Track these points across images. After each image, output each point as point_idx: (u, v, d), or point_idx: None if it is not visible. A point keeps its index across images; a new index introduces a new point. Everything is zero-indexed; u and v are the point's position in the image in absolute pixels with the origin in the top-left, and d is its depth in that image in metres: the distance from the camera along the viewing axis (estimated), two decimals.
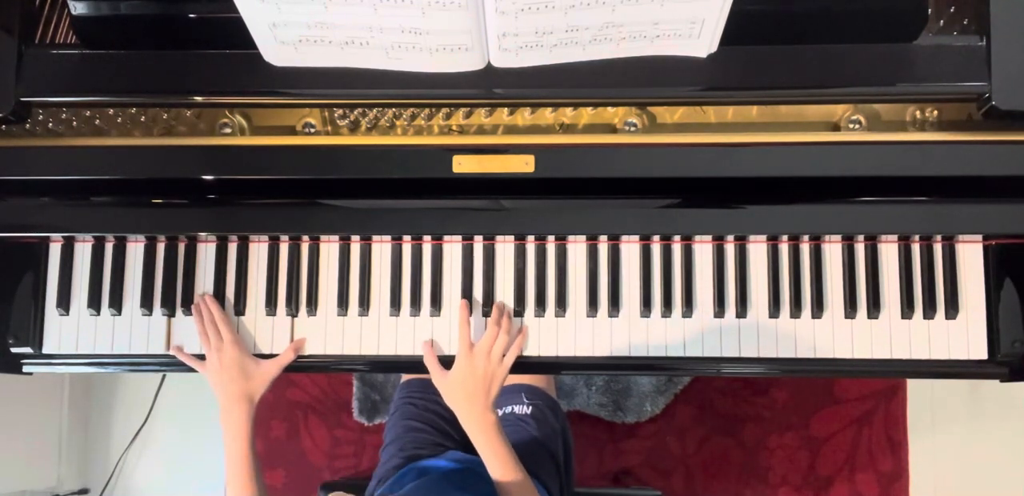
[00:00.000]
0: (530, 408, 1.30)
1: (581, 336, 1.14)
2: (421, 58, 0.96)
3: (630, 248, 1.14)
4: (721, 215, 1.08)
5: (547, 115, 1.09)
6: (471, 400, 1.07)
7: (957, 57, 0.98)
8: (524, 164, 1.03)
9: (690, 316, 1.13)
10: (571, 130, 1.09)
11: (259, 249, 1.17)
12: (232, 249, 1.17)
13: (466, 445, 1.33)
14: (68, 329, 1.17)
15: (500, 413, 1.34)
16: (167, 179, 1.08)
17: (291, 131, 1.10)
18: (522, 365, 1.13)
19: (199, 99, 1.04)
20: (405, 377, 1.44)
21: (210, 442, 2.01)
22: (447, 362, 1.12)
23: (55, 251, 1.18)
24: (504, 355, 1.10)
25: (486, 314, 1.14)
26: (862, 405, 1.88)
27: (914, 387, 1.90)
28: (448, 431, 1.32)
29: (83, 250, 1.18)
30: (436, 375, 1.11)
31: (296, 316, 1.16)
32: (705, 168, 1.03)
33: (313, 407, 1.92)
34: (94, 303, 1.17)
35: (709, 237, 1.13)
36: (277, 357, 1.14)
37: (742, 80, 0.99)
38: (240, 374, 1.11)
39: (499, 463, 1.06)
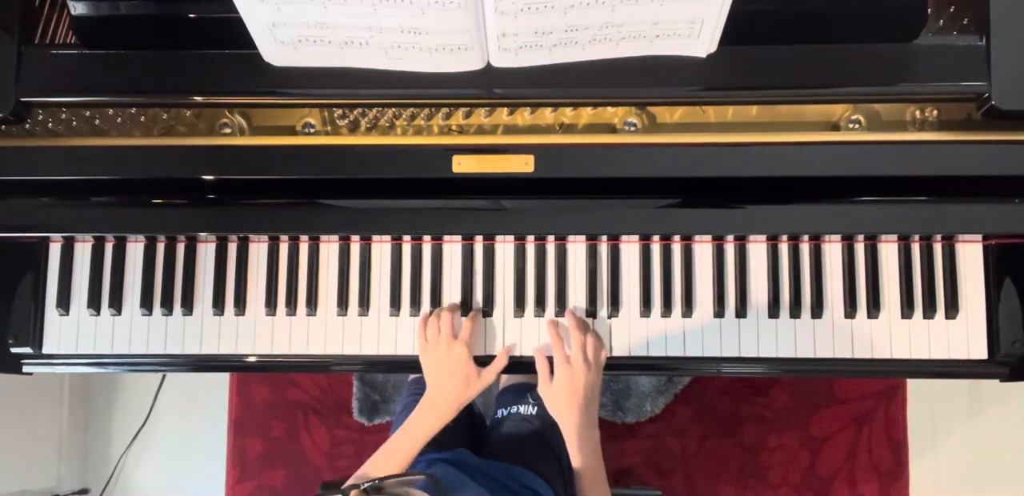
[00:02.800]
0: (535, 408, 1.30)
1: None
2: (421, 58, 0.96)
3: (630, 248, 1.14)
4: (721, 215, 1.08)
5: (547, 115, 1.09)
6: (573, 413, 1.05)
7: (957, 57, 0.98)
8: (524, 164, 1.03)
9: (690, 316, 1.13)
10: (571, 130, 1.09)
11: (259, 249, 1.17)
12: (232, 249, 1.17)
13: (472, 444, 1.33)
14: (68, 329, 1.17)
15: (506, 413, 1.34)
16: (167, 179, 1.08)
17: (291, 131, 1.10)
18: (525, 365, 1.12)
19: (199, 99, 1.04)
20: (411, 376, 1.44)
21: (210, 442, 2.01)
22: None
23: (55, 251, 1.18)
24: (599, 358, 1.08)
25: (486, 314, 1.14)
26: (862, 405, 1.88)
27: (914, 387, 1.90)
28: (455, 429, 1.32)
29: (83, 250, 1.18)
30: (543, 383, 1.08)
31: (296, 316, 1.16)
32: (705, 168, 1.03)
33: (313, 407, 1.92)
34: (94, 303, 1.17)
35: (709, 237, 1.13)
36: (494, 363, 1.10)
37: (742, 80, 0.99)
38: (464, 379, 1.07)
39: (591, 478, 1.05)
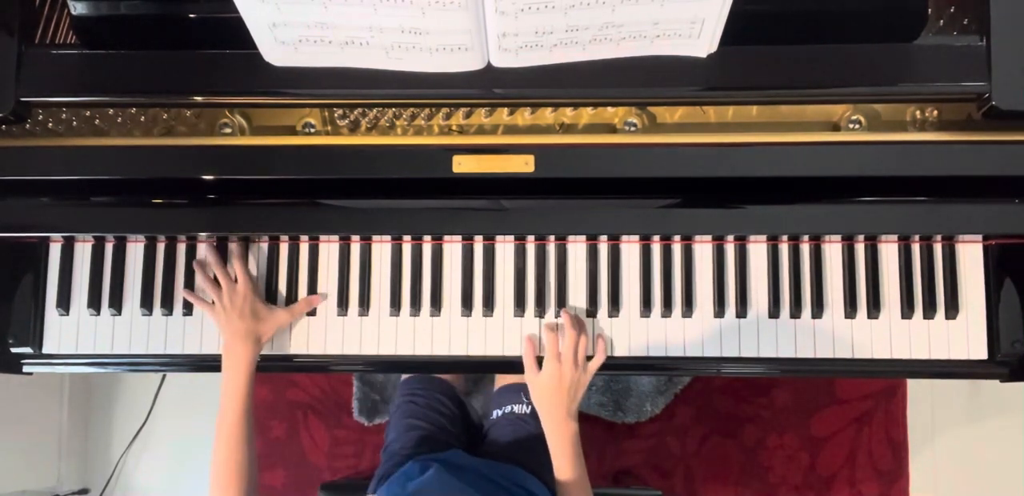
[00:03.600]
0: (529, 407, 1.30)
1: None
2: (421, 58, 0.96)
3: (630, 248, 1.14)
4: (721, 215, 1.08)
5: (547, 115, 1.09)
6: (555, 406, 1.08)
7: (957, 57, 0.98)
8: (524, 164, 1.03)
9: (690, 316, 1.13)
10: (571, 130, 1.09)
11: (259, 249, 1.17)
12: (232, 249, 1.17)
13: (468, 444, 1.33)
14: (68, 329, 1.17)
15: (500, 413, 1.34)
16: (167, 179, 1.08)
17: (291, 131, 1.10)
18: (523, 365, 1.12)
19: (199, 99, 1.04)
20: (405, 376, 1.44)
21: (210, 442, 2.01)
22: (452, 363, 1.13)
23: (55, 251, 1.18)
24: (588, 357, 1.11)
25: (486, 315, 1.14)
26: (862, 405, 1.88)
27: (914, 387, 1.90)
28: (450, 429, 1.32)
29: (83, 250, 1.18)
30: (529, 373, 1.11)
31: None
32: (705, 168, 1.03)
33: (313, 407, 1.92)
34: (94, 303, 1.17)
35: (709, 237, 1.13)
36: (291, 306, 1.14)
37: (742, 80, 0.99)
38: (250, 313, 1.10)
39: (569, 469, 1.08)
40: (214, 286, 1.13)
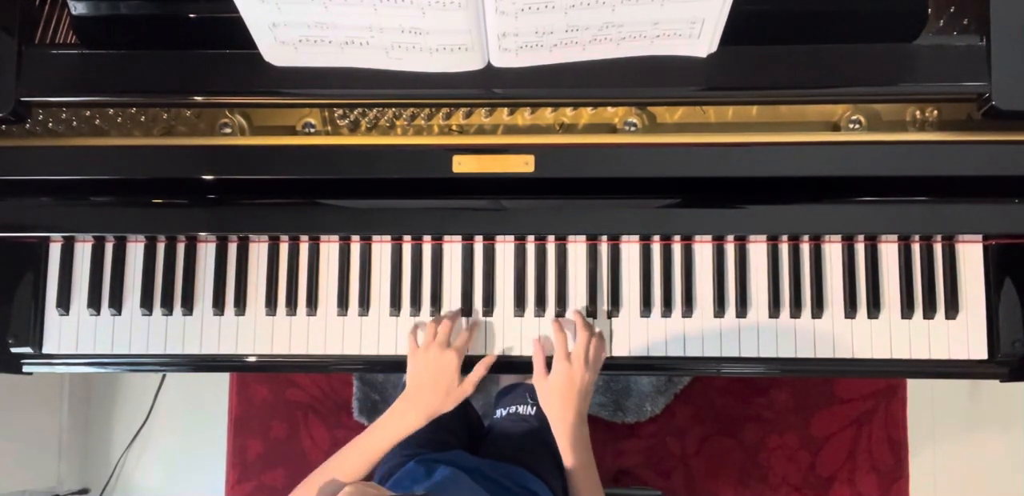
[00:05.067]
0: (534, 408, 1.30)
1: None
2: (421, 58, 0.96)
3: (630, 248, 1.14)
4: (721, 215, 1.08)
5: (547, 115, 1.09)
6: (566, 409, 1.07)
7: (957, 57, 0.98)
8: (524, 164, 1.03)
9: (690, 316, 1.13)
10: (571, 130, 1.09)
11: (259, 249, 1.17)
12: (232, 249, 1.17)
13: (469, 444, 1.33)
14: (68, 329, 1.17)
15: (503, 413, 1.34)
16: (167, 179, 1.08)
17: (291, 131, 1.10)
18: (524, 365, 1.12)
19: (199, 99, 1.04)
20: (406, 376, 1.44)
21: (210, 442, 2.01)
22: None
23: (55, 251, 1.18)
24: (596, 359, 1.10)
25: (486, 315, 1.14)
26: (862, 405, 1.88)
27: (914, 387, 1.90)
28: (451, 429, 1.31)
29: (83, 250, 1.18)
30: (538, 377, 1.10)
31: (296, 316, 1.16)
32: (705, 168, 1.03)
33: (313, 407, 1.92)
34: (94, 303, 1.17)
35: (709, 237, 1.13)
36: (473, 373, 1.10)
37: (742, 80, 0.99)
38: (444, 386, 1.07)
39: (582, 472, 1.07)
40: (433, 333, 1.09)
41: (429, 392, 1.07)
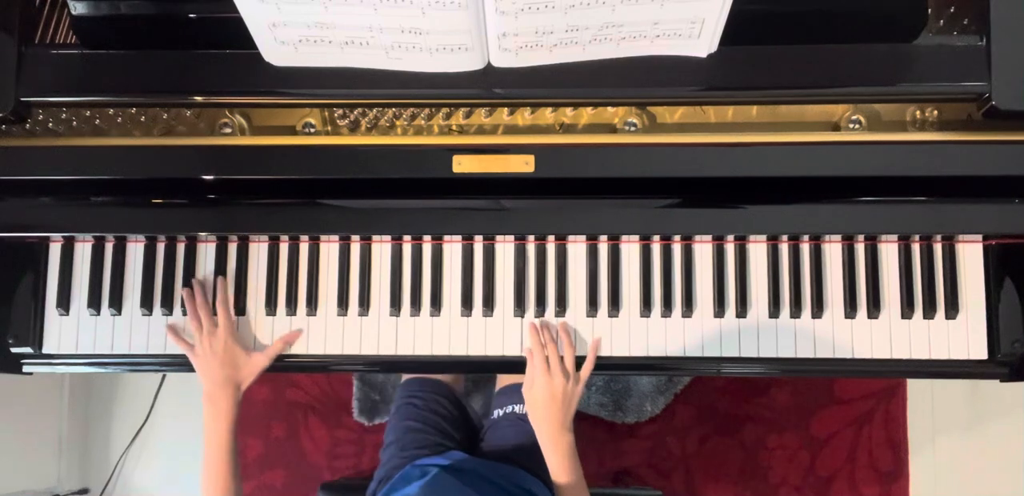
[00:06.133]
0: None
1: (581, 336, 1.14)
2: (421, 58, 0.96)
3: (630, 248, 1.14)
4: (721, 215, 1.08)
5: (547, 115, 1.09)
6: (549, 419, 1.08)
7: (957, 57, 0.98)
8: (524, 164, 1.03)
9: (690, 316, 1.13)
10: (571, 130, 1.09)
11: (259, 249, 1.17)
12: (232, 249, 1.17)
13: (467, 445, 1.33)
14: (68, 329, 1.17)
15: (501, 413, 1.34)
16: (167, 179, 1.08)
17: (291, 131, 1.10)
18: (522, 365, 1.12)
19: (199, 99, 1.04)
20: (405, 377, 1.44)
21: None
22: (452, 363, 1.13)
23: (55, 251, 1.18)
24: (577, 367, 1.10)
25: (486, 315, 1.14)
26: (862, 405, 1.88)
27: (914, 387, 1.90)
28: (449, 431, 1.32)
29: (83, 250, 1.18)
30: (525, 386, 1.11)
31: (296, 316, 1.16)
32: (705, 168, 1.03)
33: (313, 407, 1.92)
34: (94, 303, 1.17)
35: (709, 237, 1.13)
36: (266, 349, 1.13)
37: (742, 80, 0.99)
38: (229, 361, 1.10)
39: (566, 480, 1.07)
40: (197, 326, 1.13)
41: (218, 370, 1.10)
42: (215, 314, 1.13)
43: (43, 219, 1.12)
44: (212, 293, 1.15)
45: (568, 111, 1.08)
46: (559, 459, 1.07)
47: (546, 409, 1.07)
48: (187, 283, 1.16)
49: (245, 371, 1.11)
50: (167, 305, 1.16)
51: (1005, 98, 0.97)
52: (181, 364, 1.17)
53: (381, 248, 1.16)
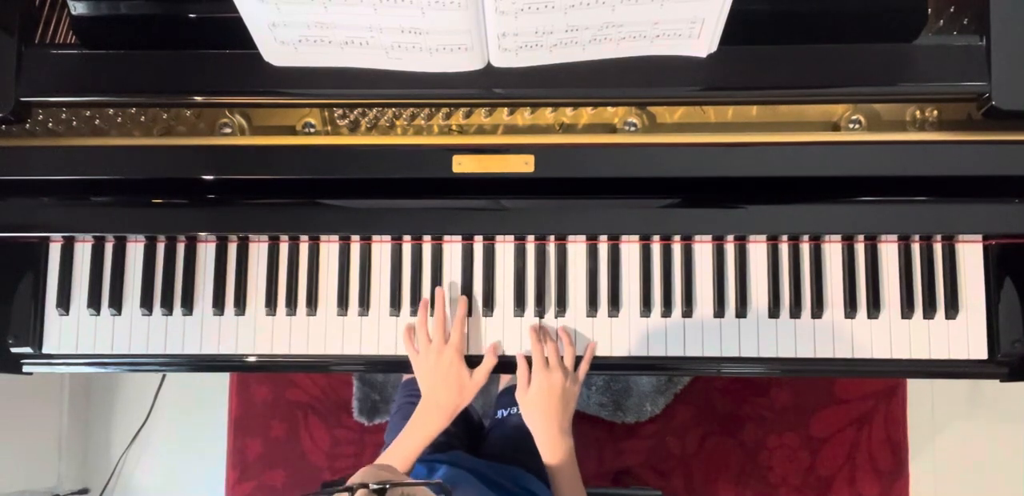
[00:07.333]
0: None
1: (581, 336, 1.14)
2: (421, 58, 0.96)
3: (630, 248, 1.14)
4: (721, 215, 1.08)
5: (547, 115, 1.09)
6: (547, 422, 1.06)
7: (957, 57, 0.98)
8: (524, 164, 1.03)
9: (690, 316, 1.13)
10: (571, 130, 1.09)
11: (259, 249, 1.17)
12: (232, 249, 1.17)
13: (469, 445, 1.33)
14: (68, 329, 1.17)
15: (505, 413, 1.34)
16: (167, 179, 1.08)
17: (291, 131, 1.10)
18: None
19: (199, 99, 1.04)
20: (406, 377, 1.44)
21: (210, 442, 2.01)
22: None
23: (55, 251, 1.18)
24: (575, 367, 1.10)
25: (486, 315, 1.14)
26: (862, 405, 1.88)
27: (914, 387, 1.90)
28: (451, 430, 1.32)
29: (83, 250, 1.18)
30: (520, 390, 1.09)
31: (296, 316, 1.16)
32: (705, 168, 1.03)
33: (313, 407, 1.92)
34: (94, 303, 1.17)
35: (709, 237, 1.13)
36: (483, 364, 1.10)
37: (742, 80, 0.99)
38: (455, 383, 1.07)
39: (565, 486, 1.06)
40: (426, 337, 1.10)
41: (443, 391, 1.07)
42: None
43: (43, 219, 1.12)
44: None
45: (568, 111, 1.08)
46: (559, 466, 1.06)
47: (544, 407, 1.06)
48: (187, 283, 1.16)
49: (467, 393, 1.08)
50: (167, 305, 1.16)
51: (1005, 98, 0.97)
52: (181, 364, 1.17)
53: (381, 248, 1.16)
